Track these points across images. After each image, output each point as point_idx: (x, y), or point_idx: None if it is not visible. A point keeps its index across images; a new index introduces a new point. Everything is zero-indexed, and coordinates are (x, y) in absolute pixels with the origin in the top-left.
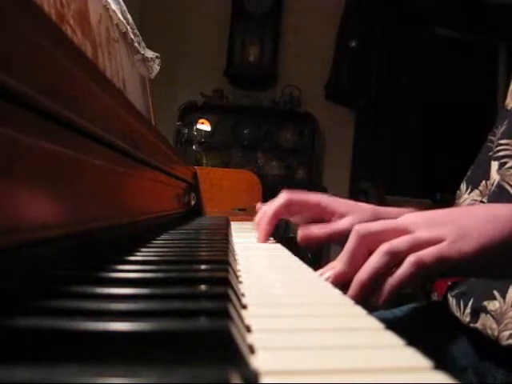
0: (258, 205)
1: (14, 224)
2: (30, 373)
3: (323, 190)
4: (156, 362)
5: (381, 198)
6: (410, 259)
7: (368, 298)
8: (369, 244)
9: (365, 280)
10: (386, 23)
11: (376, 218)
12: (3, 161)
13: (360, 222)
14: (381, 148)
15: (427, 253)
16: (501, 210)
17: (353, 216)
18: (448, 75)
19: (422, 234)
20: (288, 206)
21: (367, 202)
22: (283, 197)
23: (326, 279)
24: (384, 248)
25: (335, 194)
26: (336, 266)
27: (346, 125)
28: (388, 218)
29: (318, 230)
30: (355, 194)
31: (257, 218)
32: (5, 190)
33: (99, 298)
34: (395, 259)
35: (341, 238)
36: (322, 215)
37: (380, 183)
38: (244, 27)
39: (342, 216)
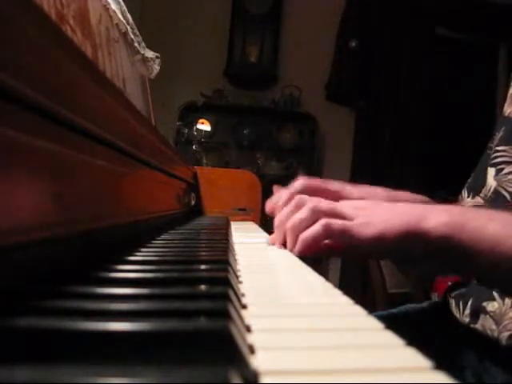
0: (276, 188)
1: (14, 224)
2: (30, 373)
3: None
4: (156, 361)
5: None
6: (322, 221)
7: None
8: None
9: (288, 227)
10: (386, 23)
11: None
12: (3, 161)
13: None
14: (381, 148)
15: (336, 221)
16: (409, 209)
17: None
18: (448, 75)
19: (344, 209)
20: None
21: None
22: (298, 183)
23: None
24: (309, 205)
25: None
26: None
27: (346, 125)
28: (401, 200)
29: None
30: None
31: (271, 203)
32: (5, 190)
33: (99, 298)
34: (315, 216)
35: None
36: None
37: (380, 183)
38: (244, 27)
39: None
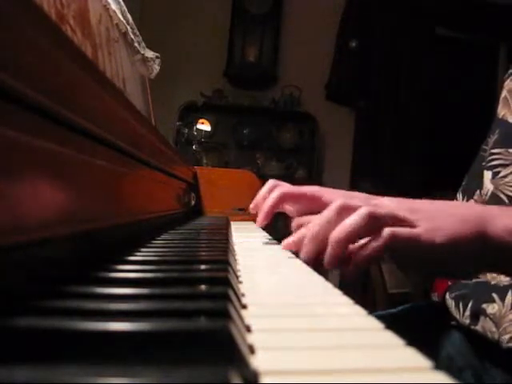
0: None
1: (14, 224)
2: (30, 373)
3: None
4: (156, 361)
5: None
6: (386, 231)
7: (339, 264)
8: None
9: (342, 238)
10: (386, 23)
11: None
12: (3, 161)
13: None
14: (381, 148)
15: (402, 230)
16: (472, 211)
17: None
18: (448, 75)
19: (401, 212)
20: (282, 200)
21: None
22: (277, 192)
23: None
24: (365, 210)
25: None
26: (311, 228)
27: (346, 125)
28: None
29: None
30: None
31: (252, 205)
32: (5, 190)
33: (99, 298)
34: (374, 224)
35: None
36: (316, 206)
37: (380, 183)
38: (244, 27)
39: None
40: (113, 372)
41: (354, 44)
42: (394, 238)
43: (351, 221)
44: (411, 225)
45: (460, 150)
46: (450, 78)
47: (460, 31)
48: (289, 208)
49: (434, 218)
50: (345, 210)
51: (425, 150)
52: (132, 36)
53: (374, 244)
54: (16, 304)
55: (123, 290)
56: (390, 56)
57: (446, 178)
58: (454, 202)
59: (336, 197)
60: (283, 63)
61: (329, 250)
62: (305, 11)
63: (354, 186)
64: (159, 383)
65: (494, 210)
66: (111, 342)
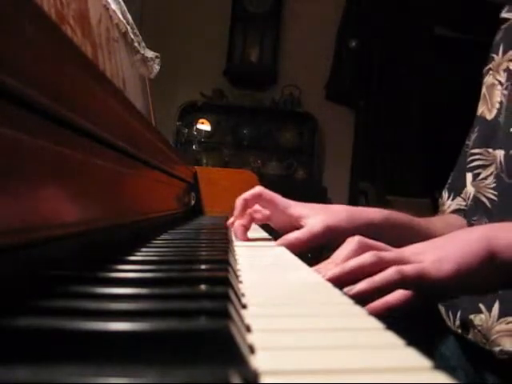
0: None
1: (15, 224)
2: (30, 373)
3: (323, 190)
4: (156, 362)
5: (381, 198)
6: (393, 268)
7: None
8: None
9: (348, 268)
10: (385, 23)
11: (350, 217)
12: (3, 161)
13: (331, 223)
14: (381, 148)
15: (408, 267)
16: (473, 233)
17: (323, 216)
18: (448, 75)
19: (407, 254)
20: (258, 196)
21: (367, 201)
22: (256, 188)
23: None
24: (372, 253)
25: (335, 194)
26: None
27: (346, 125)
28: (363, 219)
29: (295, 239)
30: (355, 194)
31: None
32: (5, 190)
33: (99, 298)
34: (380, 264)
35: (315, 240)
36: (289, 219)
37: (380, 183)
38: (244, 27)
39: (306, 217)
40: (113, 372)
41: (353, 44)
42: (401, 273)
43: (360, 258)
44: (416, 261)
45: (459, 149)
46: (450, 77)
47: (460, 31)
48: (264, 215)
49: (437, 248)
50: (378, 259)
51: (425, 150)
52: (132, 36)
53: (382, 276)
54: (16, 304)
55: (123, 289)
56: (389, 56)
57: (447, 177)
58: (455, 231)
59: (303, 208)
60: (283, 63)
61: (332, 272)
62: (305, 11)
63: (353, 186)
64: (159, 383)
65: (495, 226)
66: (111, 342)
